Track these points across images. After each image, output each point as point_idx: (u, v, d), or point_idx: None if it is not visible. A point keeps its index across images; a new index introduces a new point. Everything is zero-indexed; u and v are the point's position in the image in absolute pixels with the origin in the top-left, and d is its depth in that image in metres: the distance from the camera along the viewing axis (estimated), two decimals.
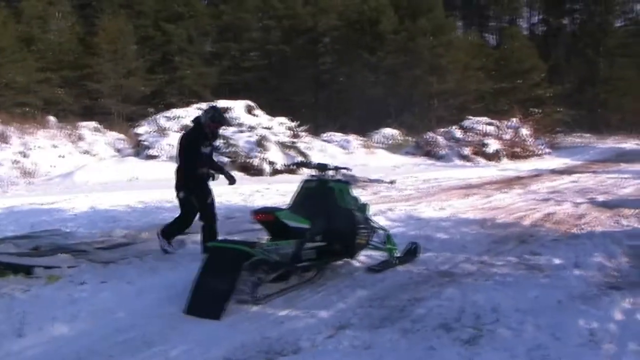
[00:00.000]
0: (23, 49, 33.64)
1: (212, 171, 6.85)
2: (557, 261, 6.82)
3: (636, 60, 52.01)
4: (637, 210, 10.67)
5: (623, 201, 12.11)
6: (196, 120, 7.11)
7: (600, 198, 12.63)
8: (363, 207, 6.71)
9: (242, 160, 17.34)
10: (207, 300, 4.93)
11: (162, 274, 6.15)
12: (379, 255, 6.92)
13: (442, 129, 25.52)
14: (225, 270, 5.08)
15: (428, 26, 37.09)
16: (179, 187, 6.94)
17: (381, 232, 6.90)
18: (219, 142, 15.72)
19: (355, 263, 6.69)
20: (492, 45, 55.63)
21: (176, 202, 7.13)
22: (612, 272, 6.47)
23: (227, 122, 11.30)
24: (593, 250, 7.33)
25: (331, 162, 7.90)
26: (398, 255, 6.84)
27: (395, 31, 36.74)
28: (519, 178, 16.99)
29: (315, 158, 16.93)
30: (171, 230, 7.09)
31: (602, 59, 53.05)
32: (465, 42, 43.57)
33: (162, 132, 19.55)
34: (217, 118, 7.04)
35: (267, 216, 5.82)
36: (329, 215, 6.14)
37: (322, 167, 6.68)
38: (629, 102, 47.02)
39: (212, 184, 6.91)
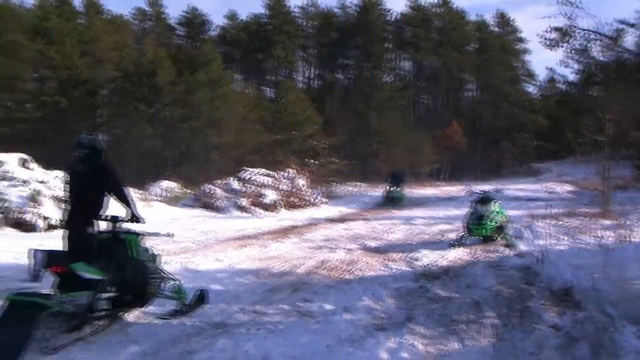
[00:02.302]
0: None
1: None
2: (328, 307, 6.98)
3: (402, 113, 56.27)
4: (404, 254, 11.28)
5: (392, 246, 12.75)
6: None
7: (372, 244, 13.18)
8: (154, 258, 6.91)
9: (15, 216, 16.02)
10: (3, 352, 4.80)
11: None
12: (169, 303, 6.85)
13: (220, 181, 25.47)
14: (22, 322, 5.01)
15: (205, 79, 37.34)
16: None
17: (172, 281, 6.93)
18: None
19: (139, 313, 6.63)
20: (269, 98, 57.27)
21: None
22: (379, 314, 6.72)
23: None
24: (362, 294, 7.57)
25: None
26: (187, 303, 6.88)
27: (173, 83, 36.57)
28: (295, 227, 17.22)
29: None
30: None
31: (373, 112, 56.53)
32: (242, 95, 44.37)
33: None
34: None
35: (61, 268, 5.73)
36: (121, 266, 6.21)
37: (114, 220, 6.75)
38: (398, 152, 50.20)
39: None
